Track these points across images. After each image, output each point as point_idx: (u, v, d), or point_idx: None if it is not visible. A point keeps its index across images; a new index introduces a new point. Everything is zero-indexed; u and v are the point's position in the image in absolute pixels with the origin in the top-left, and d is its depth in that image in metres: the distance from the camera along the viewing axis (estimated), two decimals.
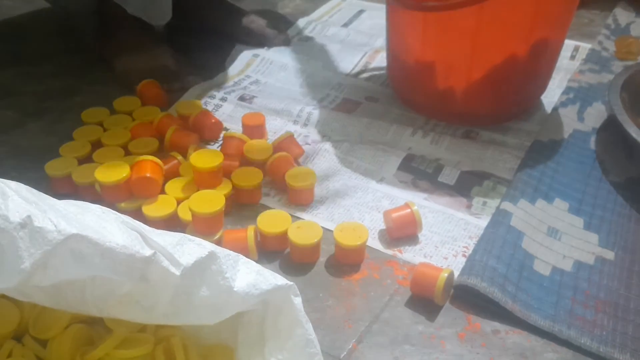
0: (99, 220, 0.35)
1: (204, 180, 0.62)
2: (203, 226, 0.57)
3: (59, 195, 0.61)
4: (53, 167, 0.64)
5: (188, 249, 0.37)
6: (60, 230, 0.33)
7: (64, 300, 0.37)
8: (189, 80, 0.85)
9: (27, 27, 1.05)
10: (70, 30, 1.03)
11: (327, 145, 0.74)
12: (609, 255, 0.59)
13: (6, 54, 0.95)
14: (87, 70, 0.89)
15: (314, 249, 0.57)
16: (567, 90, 0.86)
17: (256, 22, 0.98)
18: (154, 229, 0.38)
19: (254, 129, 0.73)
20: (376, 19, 1.09)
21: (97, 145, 0.69)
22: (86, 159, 0.67)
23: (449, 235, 0.61)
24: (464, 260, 0.58)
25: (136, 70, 0.83)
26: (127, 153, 0.68)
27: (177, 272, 0.36)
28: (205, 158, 0.62)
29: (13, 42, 0.99)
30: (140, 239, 0.35)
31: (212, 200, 0.57)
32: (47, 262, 0.33)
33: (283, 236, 0.57)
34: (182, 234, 0.39)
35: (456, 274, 0.55)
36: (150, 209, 0.59)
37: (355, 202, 0.65)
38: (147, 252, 0.35)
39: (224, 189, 0.62)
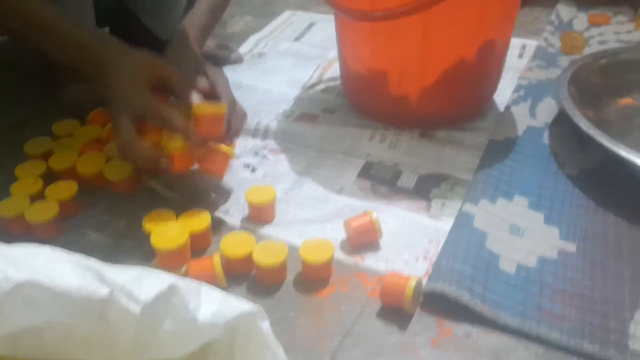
0: (51, 262, 0.34)
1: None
2: (168, 261, 0.55)
3: (13, 236, 0.60)
4: (4, 208, 0.62)
5: (147, 283, 0.36)
6: (9, 277, 0.31)
7: (21, 348, 0.35)
8: None
9: None
10: (19, 62, 1.00)
11: (286, 157, 0.74)
12: (571, 247, 0.60)
13: None
14: (38, 103, 0.86)
15: (281, 268, 0.56)
16: (518, 88, 0.88)
17: (205, 46, 0.97)
18: (110, 264, 0.37)
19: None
20: (327, 30, 1.10)
21: (48, 176, 0.68)
22: (39, 196, 0.65)
23: (409, 239, 0.61)
24: (425, 263, 0.58)
25: (84, 100, 0.82)
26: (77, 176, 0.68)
27: (137, 309, 0.35)
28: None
29: None
30: (96, 278, 0.34)
31: (176, 235, 0.56)
32: None
33: (248, 258, 0.56)
34: (141, 268, 0.37)
35: (418, 276, 0.54)
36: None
37: (317, 213, 0.65)
38: (104, 291, 0.34)
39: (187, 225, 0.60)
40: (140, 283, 0.36)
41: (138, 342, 0.36)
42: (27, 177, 0.67)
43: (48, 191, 0.64)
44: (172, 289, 0.36)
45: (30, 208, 0.62)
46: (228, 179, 0.70)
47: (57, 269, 0.33)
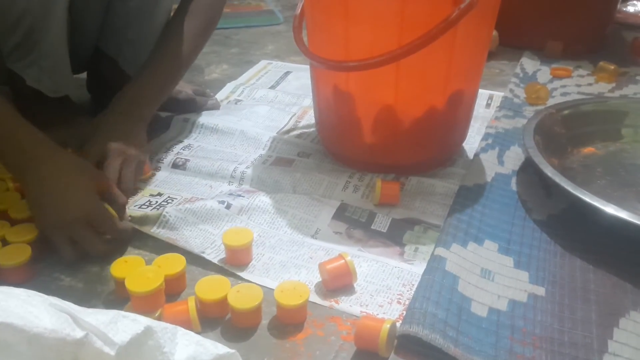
0: (24, 304, 0.34)
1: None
2: (142, 305, 0.55)
3: None
4: None
5: (122, 326, 0.36)
6: None
7: None
8: None
9: None
10: None
11: (261, 198, 0.74)
12: (540, 291, 0.61)
13: None
14: None
15: (255, 312, 0.56)
16: (486, 137, 0.91)
17: (183, 92, 0.98)
18: (85, 308, 0.37)
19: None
20: (302, 79, 1.13)
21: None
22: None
23: (383, 283, 0.62)
24: (399, 307, 0.59)
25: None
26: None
27: (112, 352, 0.35)
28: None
29: None
30: (71, 321, 0.34)
31: (150, 278, 0.56)
32: None
33: (223, 302, 0.56)
34: (116, 311, 0.37)
35: (392, 319, 0.55)
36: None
37: (291, 256, 0.66)
38: (79, 334, 0.34)
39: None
40: (115, 326, 0.36)
41: None
42: None
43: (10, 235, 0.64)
44: (147, 332, 0.36)
45: (1, 251, 0.61)
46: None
47: (32, 311, 0.33)
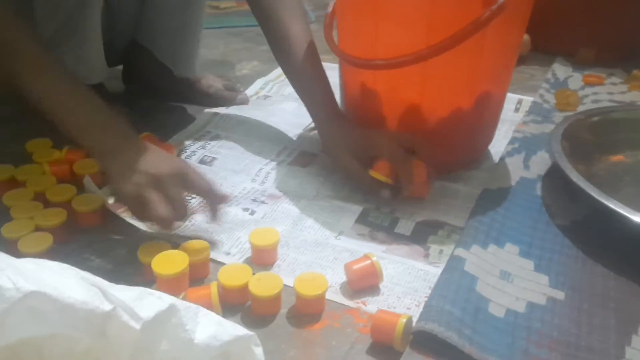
0: (58, 276, 0.36)
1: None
2: (166, 287, 0.57)
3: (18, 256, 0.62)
4: (9, 230, 0.64)
5: (148, 302, 0.38)
6: (18, 287, 0.33)
7: None
8: None
9: None
10: None
11: (284, 201, 0.76)
12: (560, 295, 0.61)
13: None
14: (45, 134, 0.89)
15: (275, 300, 0.57)
16: (513, 140, 0.91)
17: (213, 87, 1.01)
18: (113, 284, 0.39)
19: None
20: (331, 78, 1.12)
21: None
22: None
23: (409, 286, 0.62)
24: None
25: None
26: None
27: (137, 326, 0.36)
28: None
29: None
30: (100, 294, 0.36)
31: (176, 261, 0.58)
32: (4, 320, 0.33)
33: (244, 289, 0.57)
34: (142, 288, 0.39)
35: (408, 315, 0.56)
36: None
37: (316, 256, 0.66)
38: (107, 307, 0.35)
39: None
40: (141, 302, 0.37)
41: None
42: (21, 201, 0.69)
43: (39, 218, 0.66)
44: (171, 309, 0.38)
45: (24, 240, 0.62)
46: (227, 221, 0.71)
47: (64, 282, 0.35)
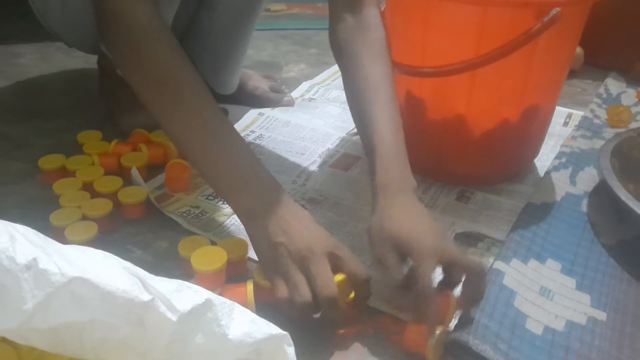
0: (101, 265, 0.37)
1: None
2: (204, 282, 0.58)
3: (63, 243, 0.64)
4: (57, 218, 0.66)
5: (185, 295, 0.38)
6: (63, 273, 0.34)
7: (61, 345, 0.38)
8: None
9: (43, 85, 1.09)
10: (81, 88, 1.07)
11: (324, 207, 0.76)
12: (601, 316, 0.59)
13: (22, 109, 0.99)
14: (96, 127, 0.92)
15: None
16: (560, 155, 0.88)
17: (260, 89, 1.02)
18: (152, 275, 0.40)
19: None
20: None
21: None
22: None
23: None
24: None
25: (142, 127, 0.86)
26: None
27: (174, 318, 0.37)
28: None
29: (29, 98, 1.04)
30: (140, 284, 0.37)
31: (214, 257, 0.59)
32: (48, 304, 0.34)
33: None
34: (180, 281, 0.40)
35: (443, 326, 0.55)
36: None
37: None
38: (146, 297, 0.36)
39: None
40: (179, 294, 0.38)
41: (170, 350, 0.38)
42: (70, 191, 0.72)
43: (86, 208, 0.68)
44: (207, 304, 0.38)
45: (70, 228, 0.65)
46: None
47: (107, 271, 0.36)
